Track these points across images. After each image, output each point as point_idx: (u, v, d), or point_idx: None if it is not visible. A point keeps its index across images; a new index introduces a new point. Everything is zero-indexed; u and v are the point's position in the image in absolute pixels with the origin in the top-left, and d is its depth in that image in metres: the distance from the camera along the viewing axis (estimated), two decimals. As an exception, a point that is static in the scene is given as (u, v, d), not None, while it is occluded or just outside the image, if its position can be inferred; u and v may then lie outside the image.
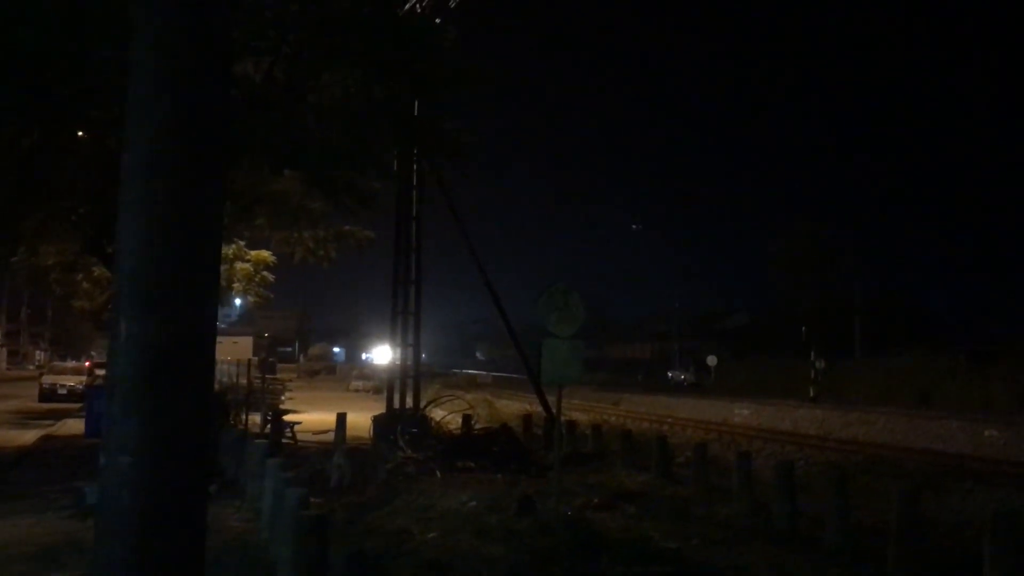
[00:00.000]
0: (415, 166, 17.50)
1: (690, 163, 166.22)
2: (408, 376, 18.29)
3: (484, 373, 65.84)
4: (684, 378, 55.50)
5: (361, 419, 19.05)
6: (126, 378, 2.43)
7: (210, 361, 2.64)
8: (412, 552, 8.82)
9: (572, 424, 19.65)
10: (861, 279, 46.50)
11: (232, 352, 29.84)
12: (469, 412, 20.12)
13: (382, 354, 41.47)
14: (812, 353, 35.84)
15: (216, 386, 28.28)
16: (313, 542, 6.45)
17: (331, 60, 12.41)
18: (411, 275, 17.87)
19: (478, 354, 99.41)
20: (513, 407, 27.80)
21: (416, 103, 15.94)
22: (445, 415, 19.73)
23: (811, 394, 34.71)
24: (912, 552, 8.64)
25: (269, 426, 19.41)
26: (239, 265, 24.87)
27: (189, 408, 2.48)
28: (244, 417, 21.20)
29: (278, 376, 45.34)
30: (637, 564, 8.54)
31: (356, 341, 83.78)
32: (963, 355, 35.70)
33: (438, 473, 13.90)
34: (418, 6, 16.35)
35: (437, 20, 16.24)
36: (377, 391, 35.63)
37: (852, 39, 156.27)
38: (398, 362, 18.80)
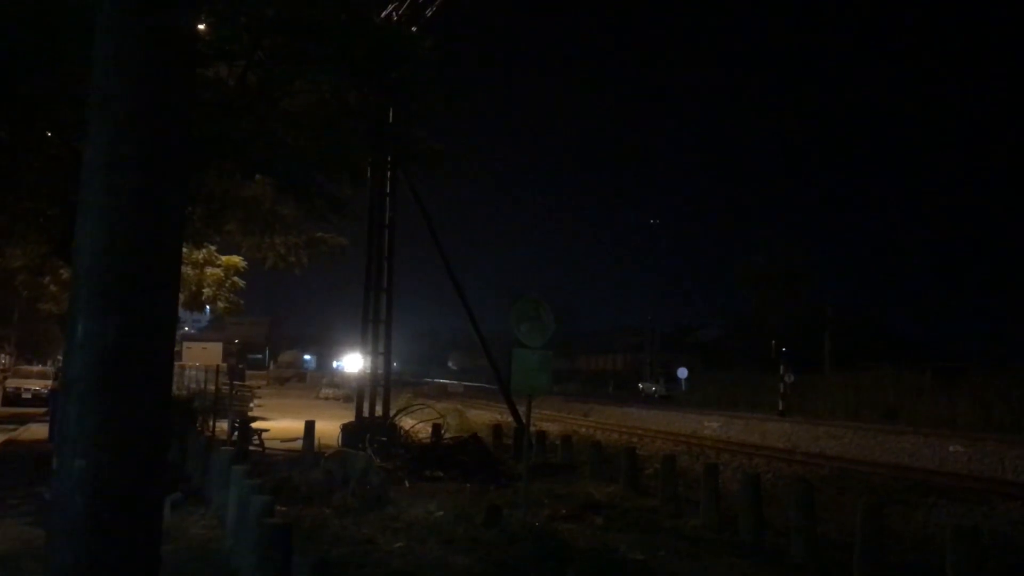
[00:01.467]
0: (388, 173, 17.47)
1: (665, 177, 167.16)
2: (378, 384, 18.20)
3: (456, 382, 65.69)
4: (655, 390, 55.66)
5: (330, 427, 18.92)
6: (82, 379, 2.39)
7: (169, 362, 2.60)
8: (378, 561, 8.75)
9: (542, 434, 19.64)
10: (830, 296, 47.00)
11: (201, 358, 29.46)
12: (439, 421, 20.05)
13: (353, 362, 41.26)
14: (781, 367, 36.09)
15: (184, 392, 28.03)
16: (278, 550, 6.38)
17: (305, 66, 12.35)
18: (383, 283, 17.81)
19: (450, 363, 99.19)
20: (484, 417, 27.71)
21: (391, 111, 15.93)
22: (415, 424, 19.65)
23: (780, 408, 34.94)
24: (877, 566, 8.70)
25: (236, 433, 19.21)
26: (209, 270, 24.67)
27: (147, 410, 2.43)
28: (211, 424, 20.96)
29: (247, 383, 45.01)
30: (601, 574, 8.53)
31: (327, 349, 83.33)
32: (930, 372, 36.08)
33: (406, 482, 13.84)
34: (395, 15, 16.35)
35: (413, 28, 16.25)
36: (347, 399, 35.45)
37: (829, 54, 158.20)
38: (368, 370, 18.71)
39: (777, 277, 52.33)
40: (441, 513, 11.42)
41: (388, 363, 18.38)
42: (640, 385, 59.58)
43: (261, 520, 6.71)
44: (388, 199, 17.73)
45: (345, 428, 17.58)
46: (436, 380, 67.55)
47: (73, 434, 2.39)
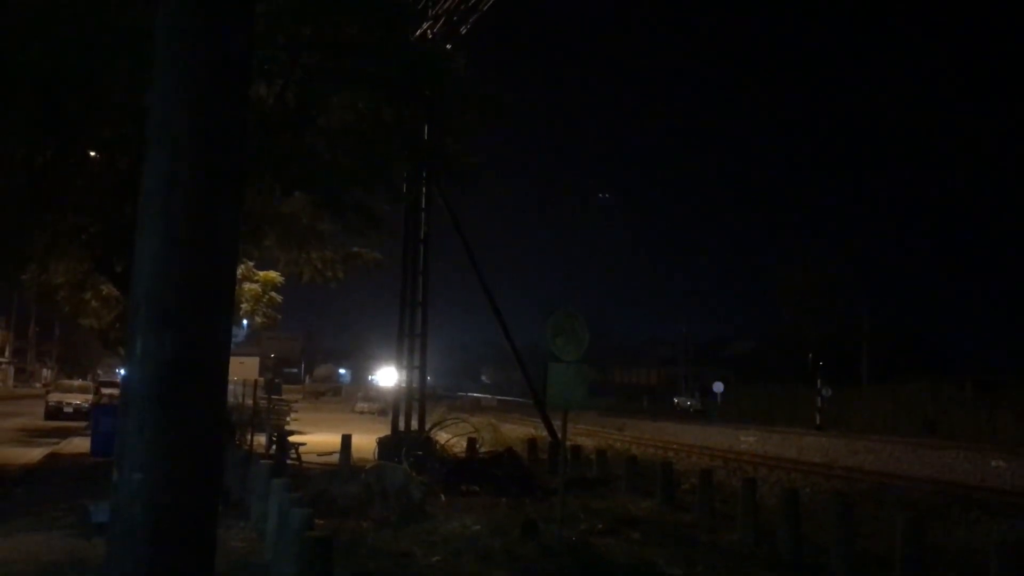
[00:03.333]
0: (423, 188, 17.60)
1: (700, 188, 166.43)
2: (413, 398, 18.29)
3: (489, 396, 65.72)
4: (690, 404, 55.36)
5: (365, 441, 19.04)
6: (141, 395, 2.47)
7: (224, 378, 2.67)
8: (416, 575, 8.80)
9: (577, 449, 19.61)
10: (867, 307, 46.46)
11: (239, 372, 29.72)
12: (474, 435, 20.10)
13: (387, 376, 41.42)
14: (818, 381, 35.76)
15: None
16: (317, 563, 6.45)
17: (342, 83, 12.52)
18: (418, 297, 17.93)
19: (483, 377, 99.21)
20: (518, 431, 27.70)
21: (426, 127, 16.08)
22: (450, 438, 19.71)
23: (817, 422, 34.61)
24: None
25: (274, 447, 19.39)
26: (247, 286, 24.95)
27: (203, 425, 2.51)
28: (250, 437, 21.17)
29: (284, 397, 45.36)
30: (641, 590, 8.52)
31: (361, 363, 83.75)
32: (970, 384, 35.59)
33: (442, 496, 13.88)
34: (429, 32, 16.52)
35: (448, 46, 16.40)
36: (382, 413, 35.60)
37: (867, 69, 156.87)
38: (404, 384, 18.81)
39: (814, 289, 51.85)
40: (478, 527, 11.44)
41: (423, 377, 18.47)
42: (675, 399, 59.24)
43: (302, 533, 6.79)
44: (423, 214, 17.87)
45: (381, 442, 17.68)
46: (470, 394, 67.61)
47: (132, 447, 2.47)
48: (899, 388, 36.70)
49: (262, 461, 12.69)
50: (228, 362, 2.73)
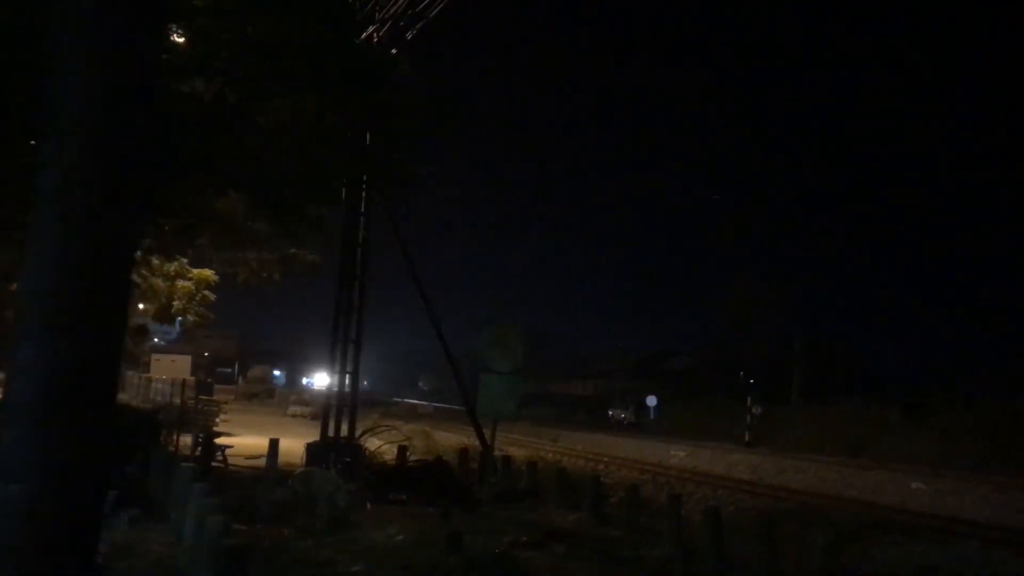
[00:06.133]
0: (363, 194, 17.46)
1: (639, 206, 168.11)
2: (345, 404, 18.10)
3: (426, 403, 65.39)
4: (624, 417, 55.73)
5: (296, 445, 18.77)
6: (24, 403, 2.36)
7: (113, 389, 2.57)
8: (334, 586, 8.68)
9: (508, 459, 19.58)
10: (800, 328, 47.37)
11: (169, 371, 29.31)
12: (405, 443, 19.97)
13: (322, 379, 40.97)
14: (749, 399, 36.32)
15: (148, 405, 27.69)
16: (232, 572, 6.33)
17: (283, 85, 12.35)
18: (354, 301, 17.76)
19: (422, 384, 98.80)
20: (452, 439, 27.60)
21: (368, 132, 15.95)
22: (381, 445, 19.56)
23: (747, 439, 35.12)
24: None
25: (199, 449, 19.02)
26: (180, 283, 24.47)
27: (87, 435, 2.41)
28: (176, 438, 20.74)
29: (215, 397, 44.52)
30: (561, 605, 8.51)
31: (297, 365, 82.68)
32: (897, 407, 36.37)
33: (369, 505, 13.75)
34: (375, 35, 16.41)
35: (393, 51, 16.31)
36: (315, 417, 35.13)
37: (807, 92, 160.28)
38: (335, 389, 18.61)
39: (751, 309, 52.72)
40: (402, 537, 11.36)
41: (356, 383, 18.28)
42: (610, 412, 59.62)
43: (217, 540, 6.66)
44: (362, 218, 17.72)
45: (310, 447, 17.46)
46: (406, 400, 67.25)
47: (11, 459, 2.36)
48: (829, 408, 37.43)
49: (184, 464, 12.44)
50: (119, 372, 2.63)
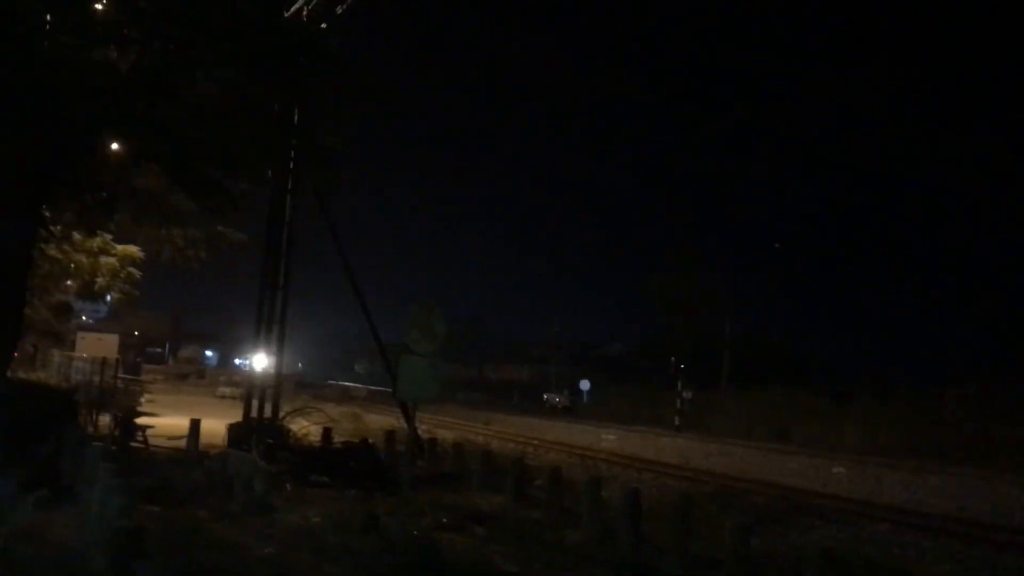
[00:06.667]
0: (290, 173, 17.13)
1: (577, 196, 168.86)
2: (269, 385, 17.84)
3: (360, 386, 64.95)
4: (558, 401, 56.07)
5: (221, 426, 18.43)
6: None
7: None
8: (242, 569, 8.52)
9: (434, 442, 19.52)
10: (732, 317, 48.04)
11: (96, 349, 28.54)
12: (330, 425, 19.76)
13: (258, 361, 40.37)
14: (679, 383, 36.77)
15: (65, 384, 26.91)
16: (127, 554, 6.16)
17: (205, 57, 12.01)
18: (280, 281, 17.47)
19: (357, 367, 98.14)
20: (382, 421, 27.40)
21: (296, 110, 15.64)
22: (306, 427, 19.33)
23: (676, 423, 35.58)
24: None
25: (117, 429, 18.56)
26: (104, 259, 23.84)
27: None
28: (94, 418, 20.22)
29: (142, 377, 43.59)
30: (473, 587, 8.48)
31: (230, 346, 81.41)
32: (823, 394, 37.22)
33: (289, 487, 13.56)
34: (304, 9, 16.06)
35: (323, 25, 16.00)
36: (244, 398, 34.64)
37: (742, 77, 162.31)
38: (260, 370, 18.33)
39: (686, 297, 53.31)
40: (319, 519, 11.23)
41: (279, 363, 18.02)
42: (544, 396, 59.96)
43: (116, 521, 6.47)
44: (288, 197, 17.39)
45: (232, 428, 17.17)
46: (340, 383, 66.71)
47: None
48: (757, 394, 38.08)
49: (95, 444, 12.11)
50: (9, 354, 2.47)
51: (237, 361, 67.86)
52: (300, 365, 74.77)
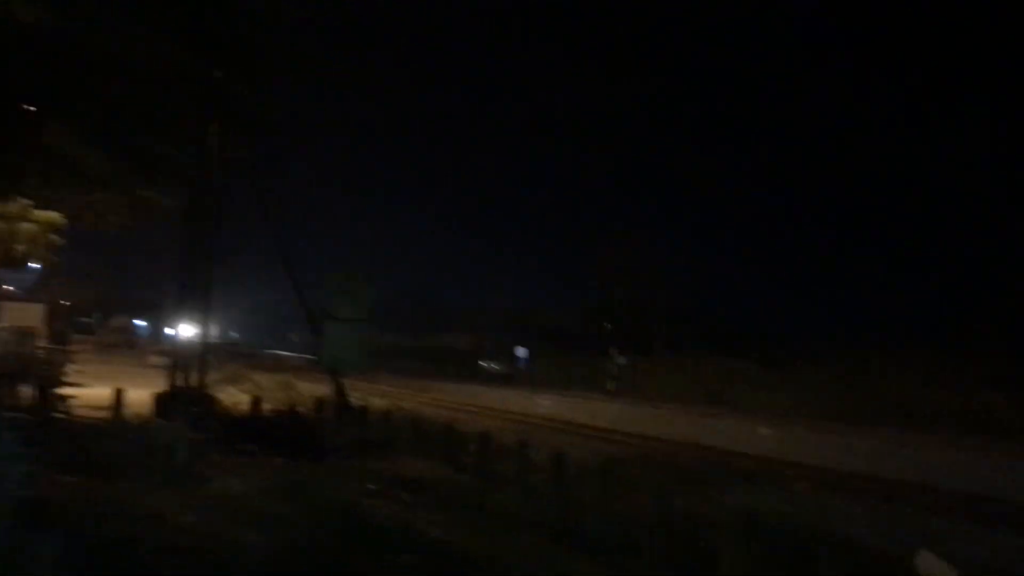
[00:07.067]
0: (217, 136, 16.69)
1: (519, 165, 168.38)
2: (195, 354, 17.54)
3: (296, 355, 64.30)
4: (496, 369, 56.26)
5: (150, 396, 18.07)
6: None
7: None
8: (158, 539, 8.34)
9: (364, 409, 19.39)
10: (665, 282, 48.66)
11: (20, 319, 27.70)
12: (260, 394, 19.52)
13: (183, 330, 39.64)
14: (613, 349, 37.16)
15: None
16: (30, 526, 5.99)
17: (119, 14, 11.60)
18: (207, 247, 17.11)
19: (293, 336, 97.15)
20: (314, 390, 27.02)
21: (222, 71, 15.21)
22: (236, 394, 19.09)
23: (610, 388, 35.99)
24: (665, 543, 9.01)
25: (38, 399, 18.07)
26: (24, 225, 23.15)
27: None
28: (15, 389, 19.64)
29: (70, 347, 42.46)
30: (394, 552, 8.44)
31: (160, 315, 79.80)
32: (754, 359, 37.99)
33: (215, 456, 13.37)
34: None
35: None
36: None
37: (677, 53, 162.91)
38: (188, 338, 18.01)
39: (622, 266, 53.74)
40: (243, 487, 11.09)
41: (206, 330, 17.71)
42: (482, 364, 60.09)
43: (13, 492, 6.27)
44: (216, 161, 16.95)
45: (158, 398, 16.86)
46: (276, 352, 66.00)
47: None
48: (690, 360, 38.70)
49: (5, 414, 11.76)
50: None
51: (168, 331, 66.59)
52: (235, 334, 73.73)
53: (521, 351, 51.99)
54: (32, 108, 11.28)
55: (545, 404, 30.90)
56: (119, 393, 16.25)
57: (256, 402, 18.13)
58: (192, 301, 17.49)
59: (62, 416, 17.24)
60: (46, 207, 22.91)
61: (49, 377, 22.34)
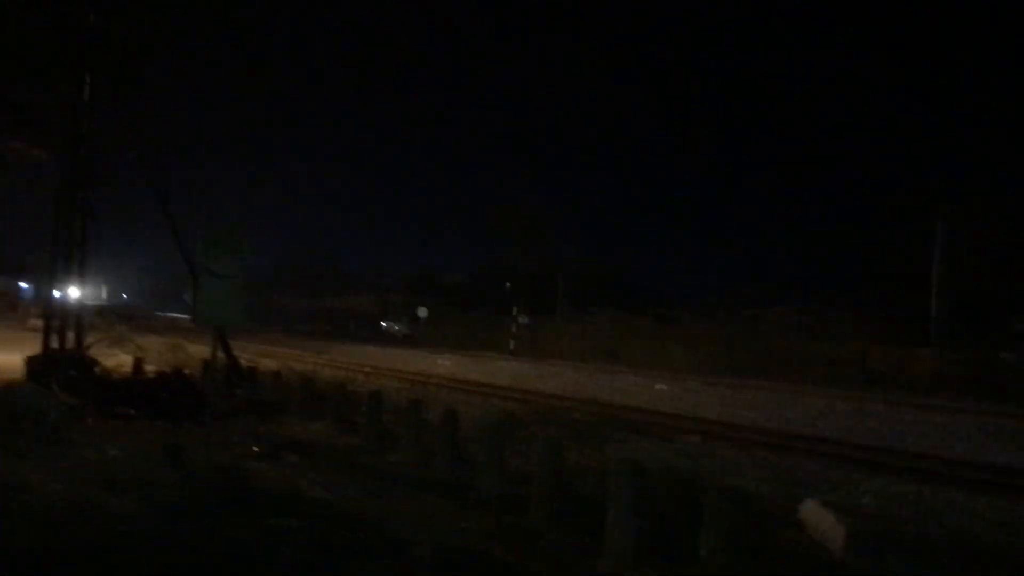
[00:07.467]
0: (87, 81, 15.68)
1: (419, 128, 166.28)
2: (72, 314, 16.66)
3: (187, 317, 62.52)
4: (398, 329, 55.88)
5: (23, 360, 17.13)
6: None
7: None
8: (22, 509, 7.83)
9: (254, 370, 18.85)
10: (565, 243, 48.96)
11: None
12: (143, 356, 18.72)
13: (72, 292, 37.92)
14: (514, 309, 37.22)
15: None
16: None
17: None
18: (80, 202, 16.17)
19: (186, 297, 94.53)
20: (205, 352, 26.25)
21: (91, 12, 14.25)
22: (120, 356, 18.26)
23: (511, 347, 36.06)
24: (553, 499, 8.92)
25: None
26: None
27: None
28: None
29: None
30: (278, 516, 8.11)
31: (48, 278, 76.35)
32: (650, 317, 38.64)
33: (90, 420, 12.72)
34: None
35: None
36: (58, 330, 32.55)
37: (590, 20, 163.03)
38: (54, 298, 17.12)
39: (522, 225, 53.80)
40: (119, 452, 10.57)
41: (81, 291, 16.82)
42: (383, 324, 59.59)
43: None
44: (87, 109, 15.95)
45: (30, 361, 15.97)
46: (169, 314, 63.97)
47: None
48: (588, 319, 39.09)
49: None
50: None
51: (56, 293, 63.82)
52: (126, 296, 71.18)
53: (423, 311, 51.67)
54: None
55: (445, 363, 30.73)
56: (-11, 357, 15.32)
57: (138, 364, 17.39)
58: (67, 261, 16.53)
59: (-74, 382, 16.23)
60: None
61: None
